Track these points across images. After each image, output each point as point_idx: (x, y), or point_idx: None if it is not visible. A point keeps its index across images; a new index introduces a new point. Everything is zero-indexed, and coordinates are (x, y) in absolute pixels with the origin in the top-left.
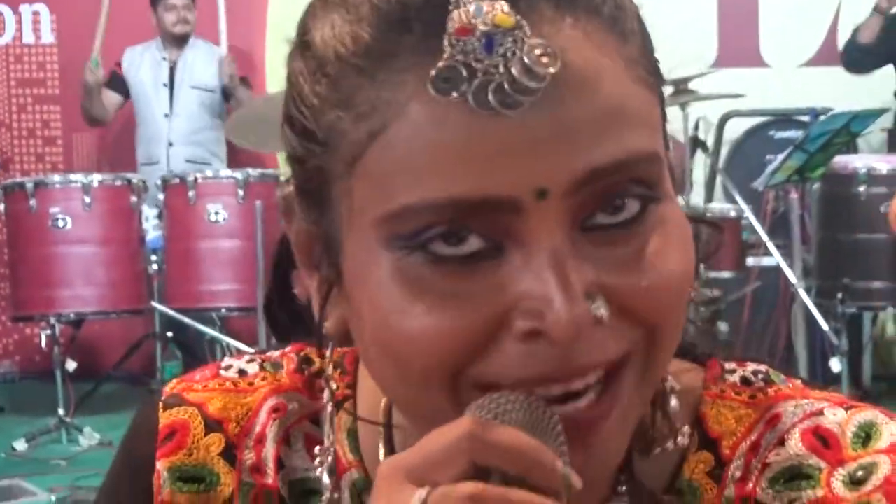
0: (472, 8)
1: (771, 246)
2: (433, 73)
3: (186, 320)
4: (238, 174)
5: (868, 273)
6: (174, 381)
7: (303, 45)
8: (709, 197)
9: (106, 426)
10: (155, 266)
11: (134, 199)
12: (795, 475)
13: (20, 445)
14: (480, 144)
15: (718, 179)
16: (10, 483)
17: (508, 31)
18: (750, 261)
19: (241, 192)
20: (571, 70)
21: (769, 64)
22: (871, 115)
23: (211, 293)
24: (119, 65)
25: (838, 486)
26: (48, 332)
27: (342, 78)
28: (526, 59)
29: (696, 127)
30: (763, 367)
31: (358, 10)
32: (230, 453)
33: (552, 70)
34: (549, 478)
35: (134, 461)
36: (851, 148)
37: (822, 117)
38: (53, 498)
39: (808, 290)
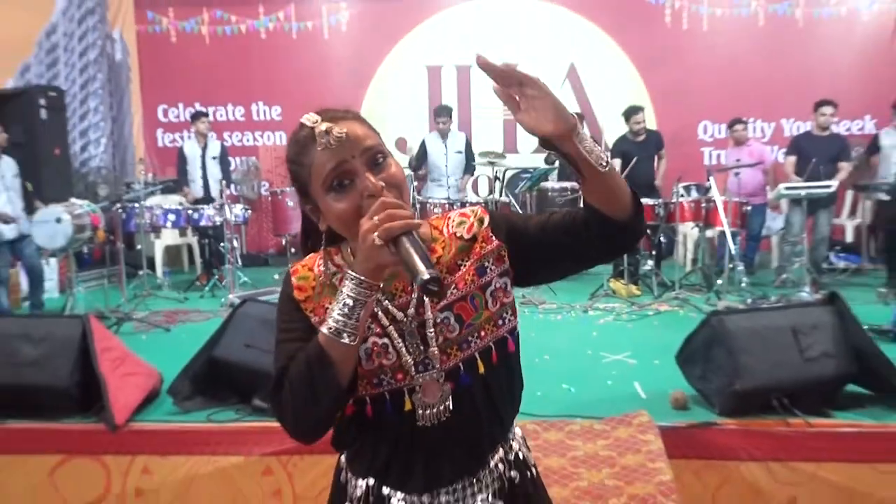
0: (322, 127)
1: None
2: (318, 146)
3: None
4: None
5: None
6: (292, 264)
7: (287, 157)
8: (498, 196)
9: None
10: None
11: None
12: (459, 223)
13: (277, 277)
14: (333, 153)
15: (504, 190)
16: (272, 288)
17: (327, 131)
18: None
19: None
20: (351, 132)
21: (520, 151)
22: (553, 169)
23: None
24: None
25: (474, 223)
26: (284, 240)
27: (294, 161)
28: (336, 133)
29: (496, 175)
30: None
31: (296, 143)
32: (311, 270)
33: (344, 132)
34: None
35: (287, 283)
36: (549, 179)
37: (537, 170)
38: None
39: None
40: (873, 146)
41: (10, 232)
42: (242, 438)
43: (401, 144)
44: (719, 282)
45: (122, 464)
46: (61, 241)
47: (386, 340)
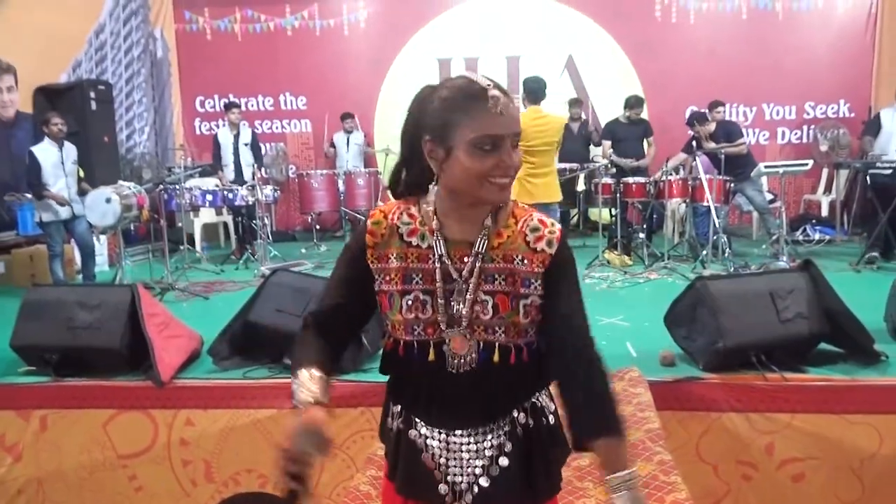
0: (494, 91)
1: None
2: (490, 103)
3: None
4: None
5: None
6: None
7: (440, 95)
8: None
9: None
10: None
11: (337, 180)
12: (533, 228)
13: (304, 251)
14: (497, 121)
15: None
16: (300, 261)
17: (499, 99)
18: None
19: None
20: (515, 111)
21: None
22: None
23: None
24: (332, 140)
25: (545, 236)
26: (310, 217)
27: (451, 104)
28: (506, 104)
29: None
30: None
31: (460, 90)
32: (386, 217)
33: (510, 107)
34: None
35: (364, 224)
36: None
37: None
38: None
39: None
40: (875, 124)
41: (64, 212)
42: (275, 393)
43: None
44: (704, 252)
45: (167, 416)
46: (111, 219)
47: (428, 297)
